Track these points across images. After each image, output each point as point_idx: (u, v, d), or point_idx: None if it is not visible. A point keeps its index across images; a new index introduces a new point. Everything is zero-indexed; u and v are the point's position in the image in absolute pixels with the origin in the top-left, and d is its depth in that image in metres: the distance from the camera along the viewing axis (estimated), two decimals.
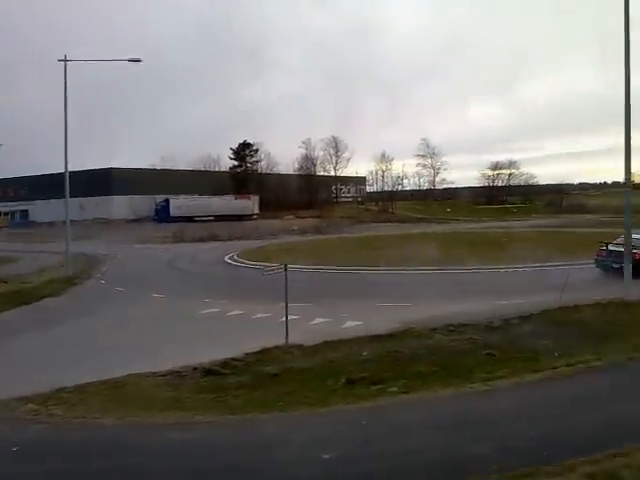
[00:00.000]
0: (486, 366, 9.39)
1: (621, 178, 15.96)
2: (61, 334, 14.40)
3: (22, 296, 20.04)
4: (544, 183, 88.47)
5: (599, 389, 8.13)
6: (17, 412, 8.13)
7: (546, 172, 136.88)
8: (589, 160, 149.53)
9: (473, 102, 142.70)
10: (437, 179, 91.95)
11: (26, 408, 8.27)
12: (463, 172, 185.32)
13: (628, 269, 14.57)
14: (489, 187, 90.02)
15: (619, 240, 19.58)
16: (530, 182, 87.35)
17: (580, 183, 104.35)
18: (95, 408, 8.24)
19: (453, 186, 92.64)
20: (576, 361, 9.18)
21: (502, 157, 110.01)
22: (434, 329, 11.91)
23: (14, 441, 6.70)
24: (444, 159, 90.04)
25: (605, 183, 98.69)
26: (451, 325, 12.08)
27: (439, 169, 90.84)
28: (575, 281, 15.03)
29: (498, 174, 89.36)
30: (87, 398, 8.81)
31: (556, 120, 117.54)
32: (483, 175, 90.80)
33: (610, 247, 19.81)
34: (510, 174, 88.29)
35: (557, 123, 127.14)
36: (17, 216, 76.62)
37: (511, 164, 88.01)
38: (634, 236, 21.05)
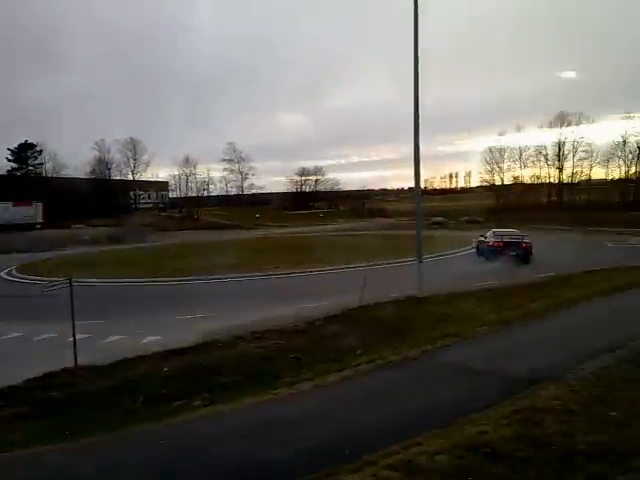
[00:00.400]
0: (292, 370, 9.40)
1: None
2: None
3: None
4: (348, 189, 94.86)
5: (396, 382, 8.53)
6: None
7: (350, 179, 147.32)
8: (388, 167, 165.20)
9: (282, 109, 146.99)
10: (245, 184, 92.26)
11: None
12: (272, 178, 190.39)
13: (420, 268, 15.69)
14: (297, 193, 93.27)
15: (505, 233, 26.03)
16: (335, 188, 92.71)
17: (381, 189, 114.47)
18: None
19: (262, 192, 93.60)
20: (376, 357, 9.61)
21: (310, 164, 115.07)
22: (239, 337, 11.70)
23: None
24: (252, 164, 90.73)
25: (402, 189, 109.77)
26: (256, 332, 11.93)
27: (247, 174, 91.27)
28: (378, 280, 15.85)
29: (305, 180, 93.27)
30: None
31: (359, 129, 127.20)
32: (291, 181, 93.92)
33: (505, 239, 24.62)
34: (316, 180, 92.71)
35: (360, 132, 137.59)
36: None
37: (317, 170, 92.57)
38: (506, 231, 26.99)
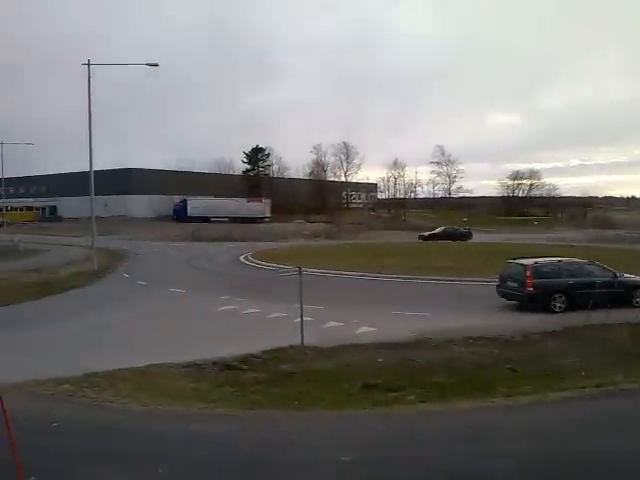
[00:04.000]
0: (507, 381, 9.17)
1: None
2: (94, 322, 14.78)
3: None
4: (567, 195, 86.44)
5: (631, 412, 7.68)
6: (54, 392, 8.57)
7: (568, 184, 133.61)
8: (612, 172, 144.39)
9: (491, 110, 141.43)
10: (453, 187, 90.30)
11: (62, 389, 8.71)
12: (481, 181, 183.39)
13: None
14: (509, 197, 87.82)
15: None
16: (552, 194, 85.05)
17: (605, 197, 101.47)
18: (123, 393, 8.62)
19: (470, 195, 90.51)
20: (605, 382, 8.76)
21: (522, 167, 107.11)
22: (451, 340, 11.72)
23: (53, 418, 7.12)
24: (460, 167, 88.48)
25: (633, 197, 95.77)
26: (470, 338, 11.82)
27: (455, 177, 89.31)
28: None
29: (518, 184, 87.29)
30: (116, 384, 9.14)
31: (578, 130, 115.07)
32: (502, 185, 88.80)
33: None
34: (531, 184, 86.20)
35: (579, 133, 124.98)
36: (47, 211, 79.79)
37: (532, 174, 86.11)
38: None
